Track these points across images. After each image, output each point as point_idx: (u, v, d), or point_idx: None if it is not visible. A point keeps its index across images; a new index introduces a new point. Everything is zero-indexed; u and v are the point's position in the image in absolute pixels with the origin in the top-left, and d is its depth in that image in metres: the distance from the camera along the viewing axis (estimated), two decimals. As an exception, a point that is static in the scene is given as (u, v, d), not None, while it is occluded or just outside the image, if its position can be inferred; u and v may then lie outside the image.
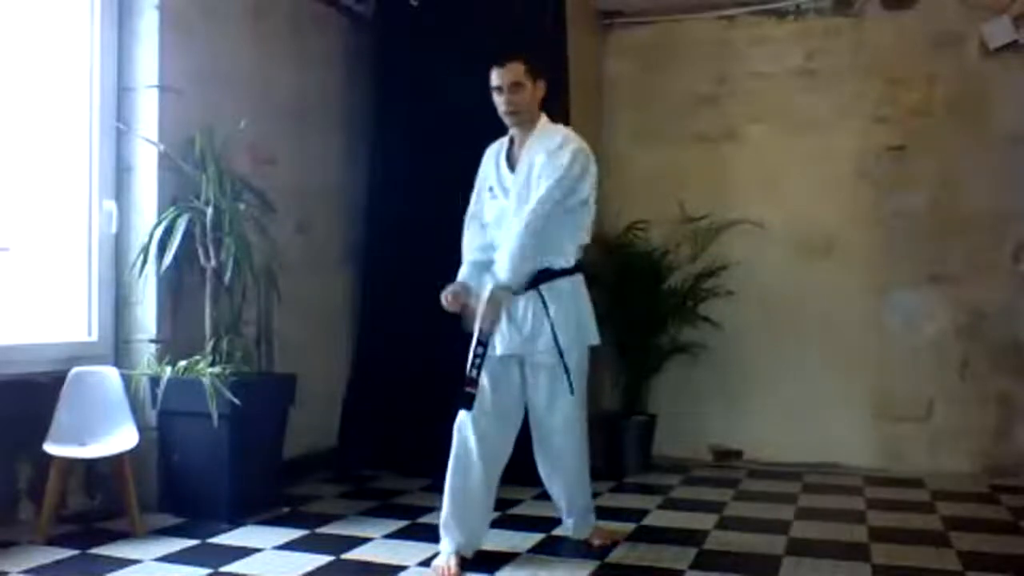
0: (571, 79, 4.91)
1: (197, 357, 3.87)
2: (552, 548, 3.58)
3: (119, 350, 4.08)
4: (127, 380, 3.85)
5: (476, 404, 3.27)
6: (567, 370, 3.35)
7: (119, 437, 3.69)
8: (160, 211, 4.00)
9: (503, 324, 3.32)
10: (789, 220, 5.35)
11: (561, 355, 3.33)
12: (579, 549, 3.55)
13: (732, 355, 5.38)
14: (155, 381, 3.84)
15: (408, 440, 4.87)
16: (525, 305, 3.34)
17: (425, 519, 3.90)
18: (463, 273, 3.52)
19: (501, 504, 3.64)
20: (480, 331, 3.21)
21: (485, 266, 3.46)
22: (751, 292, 5.32)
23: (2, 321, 3.74)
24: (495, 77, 3.36)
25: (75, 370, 3.76)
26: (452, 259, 3.59)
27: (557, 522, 3.72)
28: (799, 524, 4.00)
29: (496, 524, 3.68)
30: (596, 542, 3.59)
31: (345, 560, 3.39)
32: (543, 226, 3.27)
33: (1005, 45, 5.03)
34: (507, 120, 3.42)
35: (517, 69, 3.34)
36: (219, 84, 4.30)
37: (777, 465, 5.25)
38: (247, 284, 4.04)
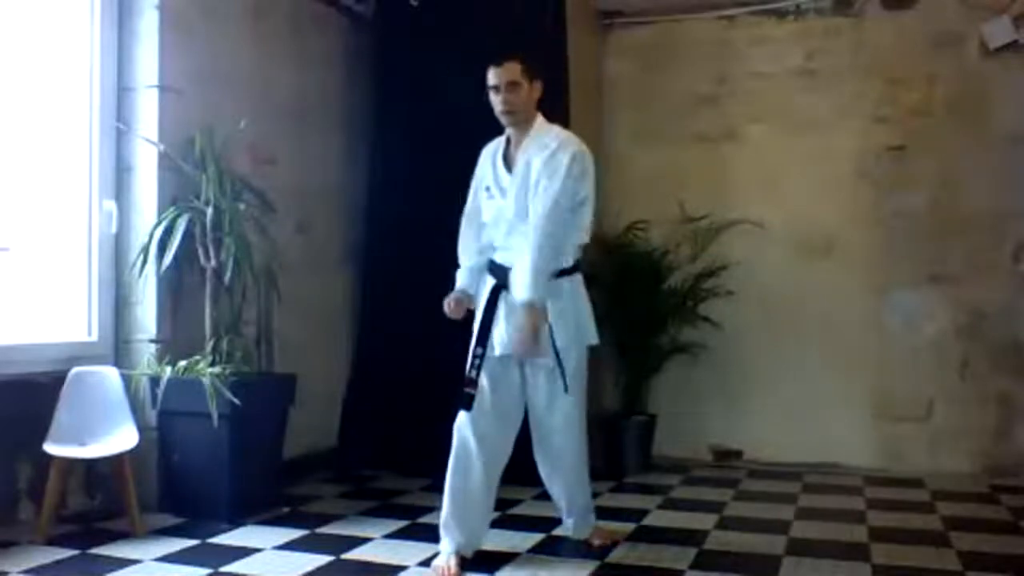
0: (571, 79, 4.91)
1: (197, 357, 3.87)
2: (552, 548, 3.58)
3: (119, 350, 4.08)
4: (127, 380, 3.85)
5: (476, 404, 3.29)
6: (563, 370, 3.35)
7: (119, 437, 3.69)
8: (160, 211, 4.00)
9: (502, 325, 3.33)
10: (789, 220, 5.35)
11: (558, 355, 3.33)
12: (579, 549, 3.55)
13: (732, 355, 5.38)
14: (155, 381, 3.84)
15: (408, 440, 4.87)
16: (524, 306, 3.34)
17: (425, 519, 3.90)
18: (463, 279, 3.53)
19: (501, 504, 3.64)
20: (522, 355, 3.26)
21: (482, 269, 3.49)
22: (751, 292, 5.32)
23: (2, 321, 3.75)
24: (492, 76, 3.36)
25: (75, 370, 3.76)
26: (452, 259, 3.60)
27: (557, 522, 3.72)
28: (799, 524, 4.00)
29: (496, 524, 3.68)
30: (596, 542, 3.59)
31: (345, 560, 3.39)
32: (554, 241, 3.27)
33: (1005, 45, 5.03)
34: (503, 120, 3.41)
35: (514, 69, 3.33)
36: (219, 84, 4.30)
37: (777, 465, 5.25)
38: (247, 284, 4.04)
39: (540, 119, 3.44)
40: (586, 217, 3.44)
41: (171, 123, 4.06)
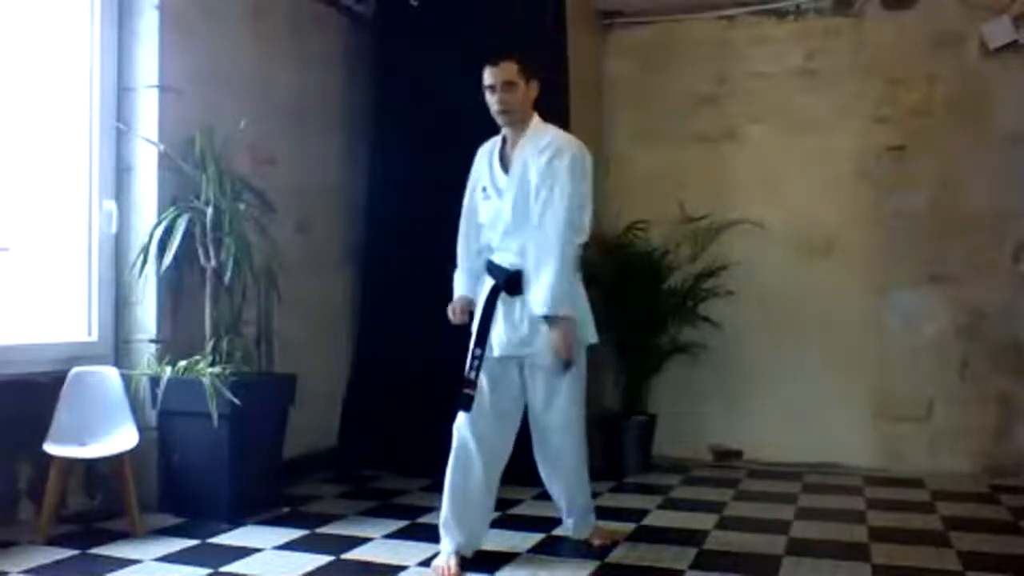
0: (571, 79, 4.91)
1: (197, 357, 3.87)
2: (552, 548, 3.58)
3: (119, 350, 4.08)
4: (127, 380, 3.85)
5: (475, 405, 3.29)
6: (567, 365, 3.36)
7: (119, 437, 3.69)
8: (160, 211, 4.00)
9: (501, 326, 3.34)
10: (789, 220, 5.35)
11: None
12: (579, 549, 3.55)
13: (732, 355, 5.37)
14: (155, 381, 3.84)
15: (408, 440, 4.87)
16: (522, 307, 3.34)
17: (425, 519, 3.90)
18: (463, 284, 3.54)
19: (501, 504, 3.64)
20: (565, 365, 3.30)
21: (481, 271, 3.49)
22: (751, 292, 5.32)
23: (2, 321, 3.75)
24: (488, 76, 3.35)
25: (75, 370, 3.76)
26: (452, 259, 3.60)
27: (557, 522, 3.72)
28: (799, 524, 4.00)
29: (496, 524, 3.68)
30: (596, 542, 3.59)
31: (345, 560, 3.39)
32: (573, 249, 3.29)
33: (1005, 45, 5.03)
34: (499, 120, 3.41)
35: (510, 68, 3.33)
36: (219, 84, 4.30)
37: (777, 465, 5.25)
38: (247, 284, 4.04)
39: (536, 119, 3.44)
40: (585, 217, 3.44)
41: (171, 123, 4.06)
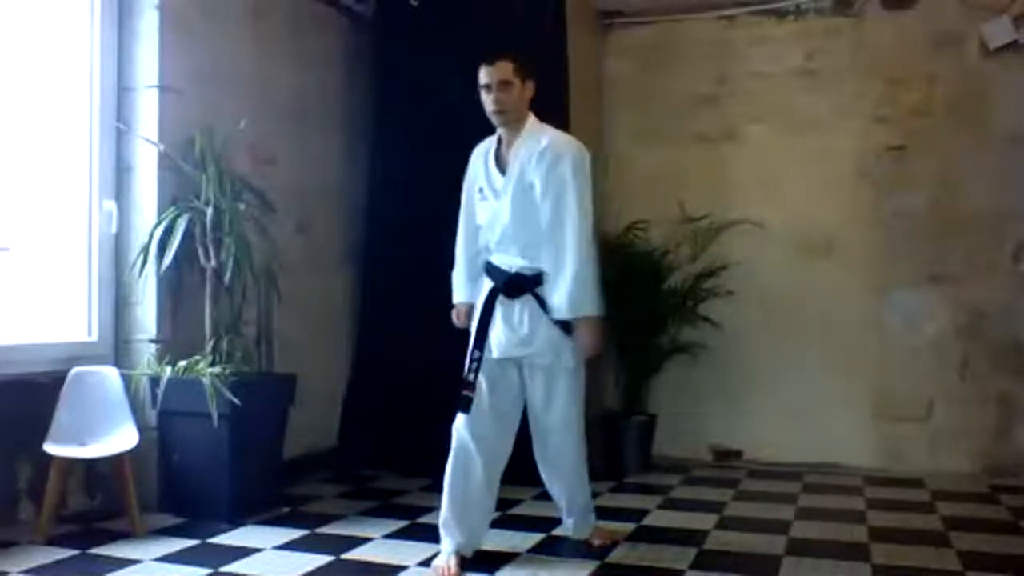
0: (571, 79, 4.91)
1: (197, 357, 3.87)
2: (552, 548, 3.58)
3: (119, 350, 4.08)
4: (127, 380, 3.85)
5: (474, 406, 3.30)
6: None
7: (119, 437, 3.69)
8: (160, 211, 4.00)
9: (500, 327, 3.34)
10: (789, 220, 5.35)
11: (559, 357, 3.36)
12: (579, 549, 3.55)
13: (732, 355, 5.37)
14: (155, 381, 3.84)
15: (408, 440, 4.87)
16: (521, 308, 3.35)
17: (425, 519, 3.90)
18: (464, 288, 3.56)
19: (501, 504, 3.63)
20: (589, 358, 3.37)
21: (480, 273, 3.50)
22: (751, 292, 5.32)
23: (2, 321, 3.75)
24: (483, 75, 3.33)
25: (75, 370, 3.76)
26: (452, 259, 3.60)
27: (557, 522, 3.72)
28: (799, 524, 4.00)
29: (496, 524, 3.68)
30: (596, 542, 3.59)
31: (345, 560, 3.39)
32: (592, 250, 3.30)
33: (1005, 45, 5.03)
34: (494, 119, 3.39)
35: (506, 68, 3.32)
36: (219, 84, 4.30)
37: (777, 465, 5.25)
38: (247, 284, 4.05)
39: (532, 119, 3.42)
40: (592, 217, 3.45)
41: (171, 123, 4.06)
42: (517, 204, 3.33)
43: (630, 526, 3.89)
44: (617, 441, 5.16)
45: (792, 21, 5.47)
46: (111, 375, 3.83)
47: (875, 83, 5.27)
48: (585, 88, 5.30)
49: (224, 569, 3.23)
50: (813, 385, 5.28)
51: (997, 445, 5.02)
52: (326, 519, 3.95)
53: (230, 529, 3.74)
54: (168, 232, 3.86)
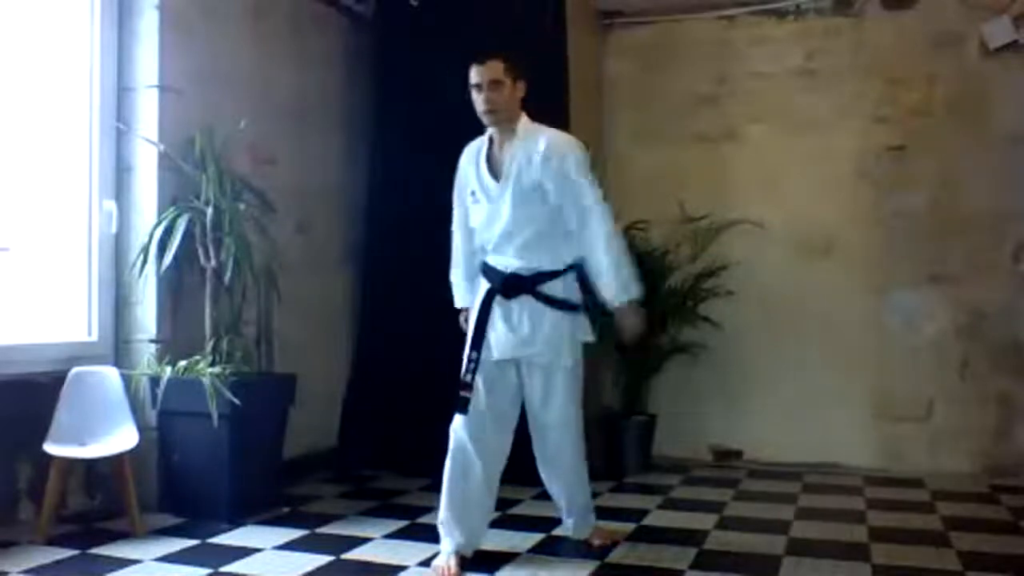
0: (571, 79, 4.91)
1: (197, 357, 3.87)
2: (552, 548, 3.58)
3: (119, 350, 4.08)
4: (127, 380, 3.85)
5: (472, 407, 3.30)
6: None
7: (119, 437, 3.69)
8: (160, 211, 4.00)
9: (499, 328, 3.34)
10: (789, 220, 5.35)
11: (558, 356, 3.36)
12: (579, 549, 3.55)
13: (732, 355, 5.37)
14: (155, 381, 3.84)
15: (408, 440, 4.87)
16: (519, 308, 3.35)
17: (425, 519, 3.90)
18: (465, 293, 3.56)
19: (501, 504, 3.64)
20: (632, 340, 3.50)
21: (476, 274, 3.50)
22: (751, 292, 5.32)
23: (2, 321, 3.75)
24: (474, 75, 3.33)
25: (75, 370, 3.76)
26: (450, 261, 3.60)
27: (557, 522, 3.72)
28: (799, 524, 4.00)
29: (496, 524, 3.68)
30: (596, 542, 3.59)
31: (345, 560, 3.39)
32: (619, 243, 3.36)
33: (1005, 45, 5.03)
34: (485, 119, 3.38)
35: (496, 67, 3.31)
36: (219, 84, 4.30)
37: (777, 465, 5.25)
38: (247, 284, 4.05)
39: (524, 119, 3.41)
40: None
41: (171, 123, 4.06)
42: (516, 205, 3.33)
43: (630, 526, 3.89)
44: (617, 441, 5.16)
45: (792, 21, 5.47)
46: (111, 375, 3.83)
47: (875, 83, 5.27)
48: (585, 88, 5.30)
49: (224, 569, 3.23)
50: (813, 385, 5.28)
51: (997, 445, 5.02)
52: (326, 519, 3.95)
53: (230, 529, 3.74)
54: (168, 232, 3.86)
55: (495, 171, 3.40)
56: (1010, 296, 5.02)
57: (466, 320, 3.53)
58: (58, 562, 3.26)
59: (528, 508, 4.19)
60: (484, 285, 3.42)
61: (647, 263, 5.21)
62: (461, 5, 4.95)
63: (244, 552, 3.44)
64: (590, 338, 3.51)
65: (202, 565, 3.25)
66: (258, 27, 4.57)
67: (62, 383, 3.70)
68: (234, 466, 3.85)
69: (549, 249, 3.38)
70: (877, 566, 3.37)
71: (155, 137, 4.01)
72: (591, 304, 3.44)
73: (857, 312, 5.25)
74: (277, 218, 4.31)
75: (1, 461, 3.64)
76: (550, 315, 3.35)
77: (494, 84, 3.30)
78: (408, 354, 4.92)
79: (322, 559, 3.37)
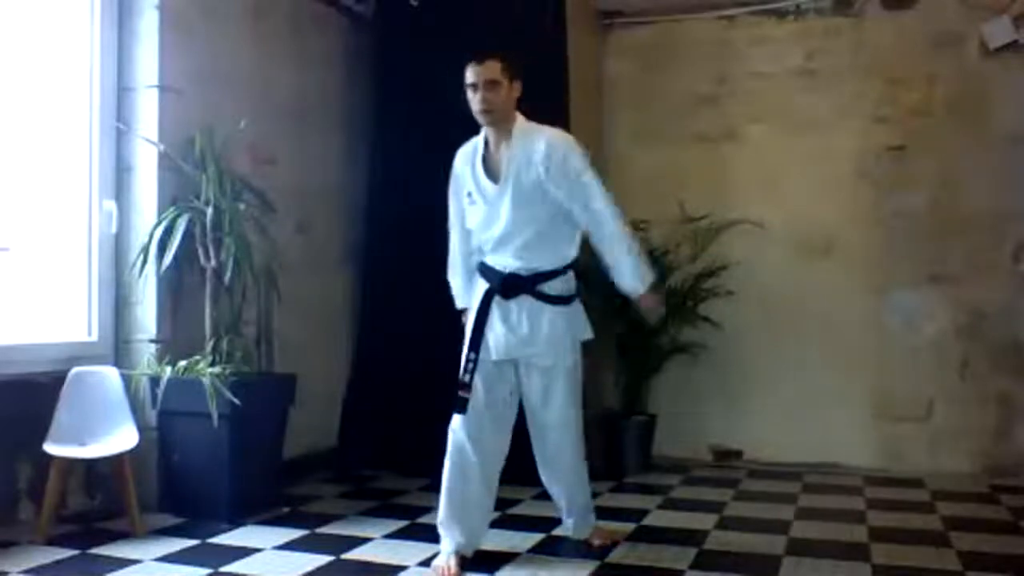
0: (571, 79, 4.91)
1: (197, 357, 3.87)
2: (552, 548, 3.58)
3: (119, 350, 4.08)
4: (127, 380, 3.85)
5: (470, 407, 3.30)
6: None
7: (119, 437, 3.69)
8: (160, 211, 4.00)
9: (499, 329, 3.34)
10: (789, 220, 5.35)
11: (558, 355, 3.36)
12: (579, 549, 3.55)
13: (732, 355, 5.37)
14: (155, 381, 3.84)
15: (408, 440, 4.87)
16: (518, 308, 3.35)
17: (425, 519, 3.89)
18: (464, 295, 3.55)
19: (501, 504, 3.64)
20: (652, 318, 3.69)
21: (474, 274, 3.50)
22: (751, 292, 5.32)
23: (2, 321, 3.75)
24: (470, 74, 3.31)
25: (75, 370, 3.76)
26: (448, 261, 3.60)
27: (557, 522, 3.72)
28: (799, 524, 4.00)
29: (496, 524, 3.68)
30: (596, 542, 3.59)
31: (345, 560, 3.39)
32: (629, 232, 3.39)
33: (1005, 45, 5.02)
34: (481, 119, 3.37)
35: (494, 67, 3.29)
36: (219, 84, 4.30)
37: (777, 465, 5.25)
38: (247, 284, 4.04)
39: (520, 119, 3.40)
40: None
41: (171, 123, 4.06)
42: (517, 207, 3.32)
43: (630, 526, 3.89)
44: (617, 441, 5.16)
45: (792, 21, 5.47)
46: (111, 375, 3.83)
47: (875, 83, 5.27)
48: (585, 88, 5.30)
49: (224, 569, 3.23)
50: (813, 385, 5.28)
51: (997, 445, 5.02)
52: (326, 519, 3.95)
53: (230, 529, 3.74)
54: (168, 232, 3.86)
55: (492, 172, 3.39)
56: (1010, 296, 5.02)
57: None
58: (58, 562, 3.26)
59: (528, 508, 4.19)
60: (482, 285, 3.42)
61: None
62: (461, 5, 4.95)
63: (244, 552, 3.44)
64: (589, 336, 3.51)
65: (202, 565, 3.25)
66: (258, 27, 4.57)
67: (62, 383, 3.70)
68: (234, 466, 3.85)
69: (549, 249, 3.38)
70: (877, 566, 3.37)
71: (155, 137, 4.01)
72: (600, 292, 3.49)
73: (857, 312, 5.25)
74: (277, 218, 4.31)
75: (1, 461, 3.64)
76: (549, 315, 3.35)
77: (491, 84, 3.29)
78: (408, 354, 4.92)
79: (322, 559, 3.37)
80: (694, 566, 3.33)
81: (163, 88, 4.04)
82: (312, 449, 4.82)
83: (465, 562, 3.29)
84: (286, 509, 4.10)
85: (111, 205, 4.07)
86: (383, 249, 5.11)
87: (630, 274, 3.36)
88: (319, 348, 4.91)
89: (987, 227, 5.05)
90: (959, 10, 5.11)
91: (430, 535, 3.47)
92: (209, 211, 3.90)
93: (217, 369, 3.82)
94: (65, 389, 3.69)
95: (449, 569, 3.21)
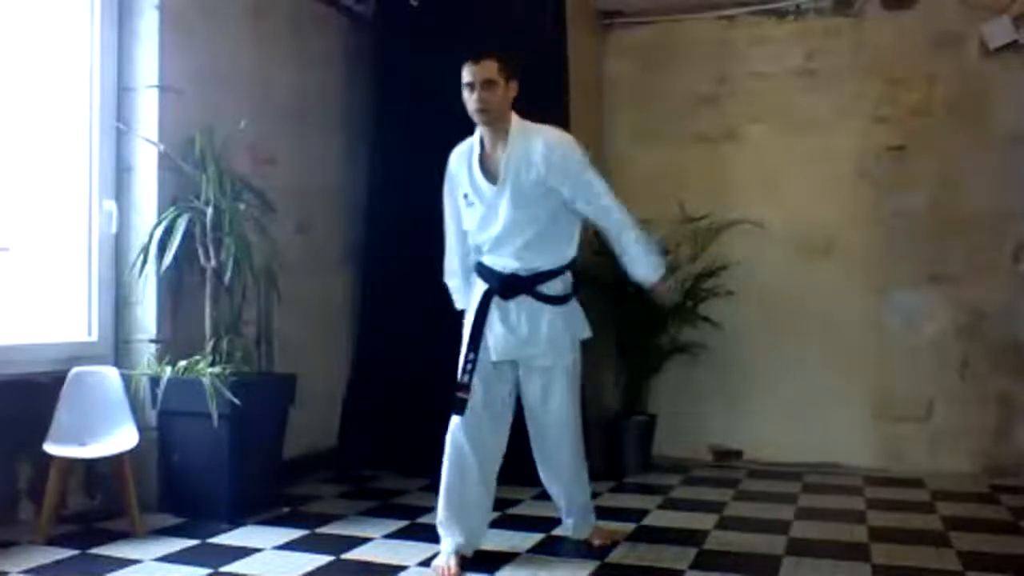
0: (571, 79, 4.91)
1: (197, 357, 3.87)
2: (552, 548, 3.58)
3: (119, 350, 4.08)
4: (127, 380, 3.85)
5: (469, 407, 3.30)
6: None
7: (119, 437, 3.69)
8: (160, 211, 4.00)
9: (498, 329, 3.33)
10: (789, 220, 5.35)
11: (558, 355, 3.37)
12: (579, 549, 3.55)
13: (732, 355, 5.37)
14: (155, 381, 3.84)
15: (408, 440, 4.87)
16: (517, 309, 3.35)
17: (425, 519, 3.89)
18: (463, 296, 3.55)
19: (501, 504, 3.64)
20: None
21: (471, 274, 3.50)
22: (751, 292, 5.32)
23: (2, 321, 3.75)
24: (467, 74, 3.30)
25: (75, 370, 3.76)
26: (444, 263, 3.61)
27: (557, 522, 3.72)
28: (799, 524, 4.00)
29: (496, 524, 3.69)
30: (596, 542, 3.59)
31: (345, 560, 3.39)
32: (637, 223, 3.45)
33: (1005, 45, 5.03)
34: (477, 119, 3.35)
35: (490, 67, 3.28)
36: (219, 84, 4.30)
37: (777, 465, 5.25)
38: (247, 284, 4.05)
39: (516, 119, 3.39)
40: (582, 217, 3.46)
41: (171, 123, 4.06)
42: (517, 207, 3.32)
43: (630, 526, 3.89)
44: (617, 441, 5.16)
45: (792, 21, 5.47)
46: (111, 375, 3.83)
47: (875, 83, 5.27)
48: (585, 88, 5.30)
49: (224, 569, 3.23)
50: (813, 385, 5.28)
51: (997, 445, 5.02)
52: (326, 519, 3.95)
53: (230, 529, 3.75)
54: (168, 232, 3.86)
55: (488, 173, 3.38)
56: (1010, 296, 5.02)
57: None
58: (58, 562, 3.26)
59: (528, 508, 4.19)
60: (480, 286, 3.41)
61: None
62: (461, 5, 4.95)
63: (244, 552, 3.44)
64: (587, 334, 3.51)
65: (202, 565, 3.25)
66: (258, 27, 4.57)
67: (62, 383, 3.70)
68: (234, 466, 3.85)
69: (549, 249, 3.38)
70: (877, 566, 3.37)
71: (155, 137, 4.01)
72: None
73: (857, 312, 5.25)
74: (277, 218, 4.31)
75: (1, 461, 3.64)
76: (548, 315, 3.35)
77: (488, 84, 3.28)
78: (408, 354, 4.92)
79: (322, 559, 3.37)
80: (694, 566, 3.33)
81: (163, 88, 4.04)
82: (312, 449, 4.82)
83: (465, 562, 3.29)
84: (286, 509, 4.10)
85: (111, 205, 4.07)
86: (383, 249, 5.11)
87: (645, 264, 3.43)
88: (319, 348, 4.91)
89: (987, 227, 5.05)
90: (959, 10, 5.11)
91: (430, 535, 3.47)
92: (209, 211, 3.90)
93: (217, 369, 3.82)
94: (65, 389, 3.69)
95: (449, 569, 3.21)
